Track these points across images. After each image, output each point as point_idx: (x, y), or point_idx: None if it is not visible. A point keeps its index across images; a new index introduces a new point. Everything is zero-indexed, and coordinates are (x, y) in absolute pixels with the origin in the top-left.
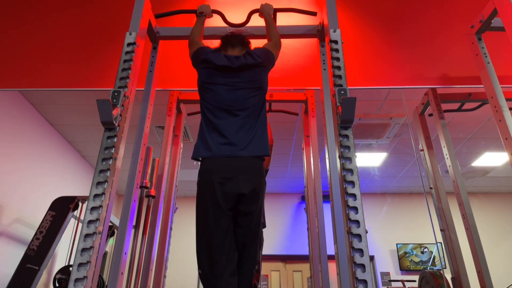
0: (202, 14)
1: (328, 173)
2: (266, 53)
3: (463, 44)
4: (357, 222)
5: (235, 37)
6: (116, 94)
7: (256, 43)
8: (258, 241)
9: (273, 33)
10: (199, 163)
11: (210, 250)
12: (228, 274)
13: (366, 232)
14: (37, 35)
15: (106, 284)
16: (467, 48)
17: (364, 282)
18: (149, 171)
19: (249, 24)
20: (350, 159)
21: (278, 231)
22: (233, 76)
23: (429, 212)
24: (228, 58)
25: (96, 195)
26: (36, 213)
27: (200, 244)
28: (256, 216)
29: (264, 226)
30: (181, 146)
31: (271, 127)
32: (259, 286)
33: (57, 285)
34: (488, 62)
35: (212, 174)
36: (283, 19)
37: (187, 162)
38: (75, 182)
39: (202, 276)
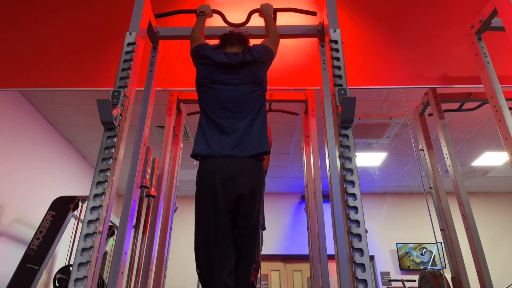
0: (203, 13)
1: (328, 173)
2: (264, 49)
3: (463, 44)
4: (357, 221)
5: (234, 35)
6: (116, 94)
7: (256, 43)
8: (256, 242)
9: (271, 30)
10: (198, 161)
11: (208, 250)
12: (226, 274)
13: (366, 232)
14: (37, 35)
15: (106, 284)
16: (467, 48)
17: (364, 281)
18: (149, 171)
19: (249, 24)
20: (350, 159)
21: (278, 231)
22: (232, 73)
23: (429, 212)
24: (227, 55)
25: (96, 195)
26: (36, 213)
27: (199, 244)
28: (255, 217)
29: (264, 228)
30: (181, 146)
31: (271, 127)
32: (258, 285)
33: (57, 285)
34: (488, 62)
35: (213, 174)
36: (283, 19)
37: (187, 162)
38: (75, 182)
39: (200, 275)
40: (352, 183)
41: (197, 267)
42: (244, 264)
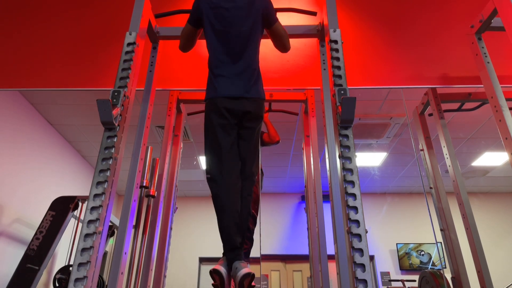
0: None
1: (328, 173)
2: (266, 4)
3: (463, 44)
4: (357, 222)
5: None
6: (116, 94)
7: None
8: (257, 156)
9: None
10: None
11: (220, 155)
12: (234, 176)
13: (366, 232)
14: (37, 35)
15: (106, 284)
16: (467, 48)
17: (364, 281)
18: (149, 171)
19: None
20: (350, 159)
21: (278, 231)
22: (236, 12)
23: (429, 212)
24: None
25: (96, 195)
26: (36, 213)
27: (210, 152)
28: (257, 132)
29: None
30: (181, 146)
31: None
32: (258, 286)
33: (57, 285)
34: (488, 62)
35: (222, 98)
36: (283, 19)
37: (187, 162)
38: (75, 182)
39: (211, 179)
40: (352, 183)
41: (207, 173)
42: (247, 171)
